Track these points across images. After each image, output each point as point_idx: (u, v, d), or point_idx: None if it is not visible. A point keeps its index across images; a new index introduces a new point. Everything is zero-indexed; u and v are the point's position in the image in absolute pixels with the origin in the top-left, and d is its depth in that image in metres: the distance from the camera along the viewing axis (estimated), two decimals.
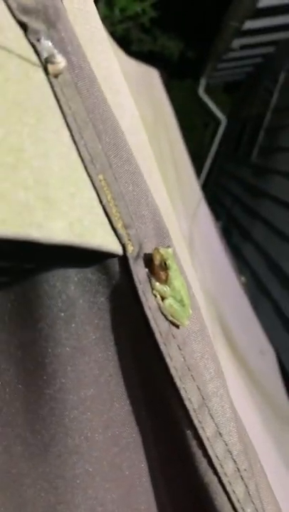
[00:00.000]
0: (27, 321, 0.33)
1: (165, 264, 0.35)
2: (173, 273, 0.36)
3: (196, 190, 3.06)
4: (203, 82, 6.40)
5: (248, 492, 0.41)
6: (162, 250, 0.35)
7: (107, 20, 4.65)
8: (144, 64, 2.53)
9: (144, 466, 0.40)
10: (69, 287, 0.33)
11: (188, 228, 2.39)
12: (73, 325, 0.34)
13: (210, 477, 0.39)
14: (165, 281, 0.36)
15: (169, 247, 0.37)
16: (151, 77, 2.68)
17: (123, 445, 0.38)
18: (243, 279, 3.35)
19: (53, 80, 0.31)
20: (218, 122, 6.91)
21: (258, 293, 3.69)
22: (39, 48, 0.30)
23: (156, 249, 0.35)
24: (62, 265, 0.33)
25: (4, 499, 0.36)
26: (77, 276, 0.34)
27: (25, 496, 0.36)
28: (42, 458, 0.35)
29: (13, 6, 0.30)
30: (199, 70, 6.23)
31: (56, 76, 0.31)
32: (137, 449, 0.40)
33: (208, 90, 6.50)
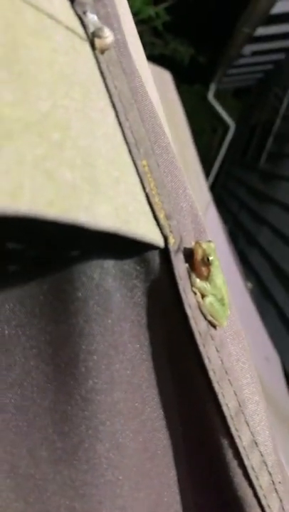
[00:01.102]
0: (60, 315, 0.31)
1: (208, 259, 0.33)
2: (215, 269, 0.34)
3: (206, 192, 3.04)
4: (213, 87, 6.39)
5: (282, 507, 0.38)
6: (205, 244, 0.33)
7: None
8: (157, 66, 2.53)
9: (173, 474, 0.38)
10: (107, 280, 0.31)
11: None
12: (109, 321, 0.31)
13: (244, 490, 0.36)
14: (206, 278, 0.34)
15: (210, 241, 0.34)
16: (163, 78, 2.67)
17: (153, 452, 0.36)
18: (249, 284, 3.32)
19: (99, 55, 0.29)
20: (226, 127, 6.90)
21: (264, 299, 3.66)
22: (85, 21, 0.28)
23: (198, 242, 0.33)
24: (101, 256, 0.31)
25: (26, 506, 0.33)
26: (115, 269, 0.32)
27: (48, 503, 0.33)
28: (69, 463, 0.33)
29: None
30: (209, 75, 6.22)
31: (102, 52, 0.29)
32: (166, 456, 0.37)
33: (217, 95, 6.50)
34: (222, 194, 6.62)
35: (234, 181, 6.27)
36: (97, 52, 0.29)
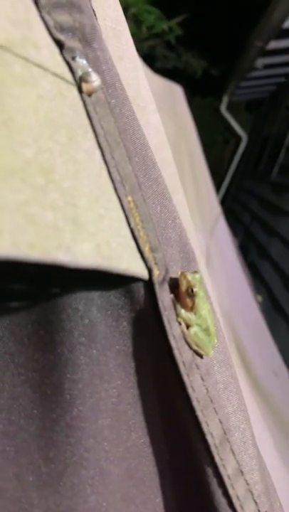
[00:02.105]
0: (47, 345, 0.32)
1: (192, 290, 0.34)
2: (200, 300, 0.35)
3: (215, 205, 3.05)
4: (225, 99, 6.43)
5: None
6: (189, 276, 0.34)
7: (134, 38, 4.72)
8: (168, 80, 2.56)
9: (158, 501, 0.38)
10: (91, 311, 0.32)
11: (205, 244, 2.37)
12: (94, 350, 0.32)
13: None
14: (191, 309, 0.34)
15: (196, 272, 0.35)
16: (174, 92, 2.70)
17: (138, 478, 0.37)
18: (259, 298, 3.30)
19: (86, 98, 0.30)
20: (238, 139, 6.91)
21: (274, 312, 3.62)
22: (74, 66, 0.30)
23: (183, 274, 0.34)
24: (86, 288, 0.32)
25: None
26: (100, 300, 0.33)
27: None
28: (54, 488, 0.33)
29: (50, 23, 0.30)
30: (222, 87, 6.26)
31: (90, 95, 0.30)
32: (152, 482, 0.38)
33: (230, 108, 6.53)
34: (234, 206, 6.60)
35: (246, 193, 6.26)
36: (84, 95, 0.30)
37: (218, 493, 0.36)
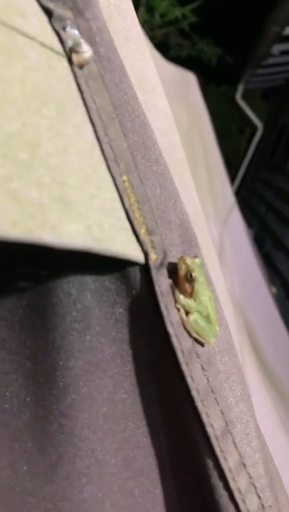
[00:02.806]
0: (39, 330, 0.31)
1: (191, 275, 0.32)
2: (199, 286, 0.33)
3: (229, 196, 3.00)
4: (240, 87, 6.30)
5: None
6: (188, 260, 0.32)
7: (147, 25, 4.66)
8: (182, 68, 2.52)
9: (158, 493, 0.37)
10: (85, 296, 0.31)
11: (218, 234, 2.34)
12: (88, 337, 0.31)
13: None
14: (190, 295, 0.33)
15: (196, 256, 0.34)
16: (188, 81, 2.65)
17: (137, 469, 0.35)
18: (273, 289, 3.25)
19: (77, 70, 0.28)
20: (254, 129, 6.78)
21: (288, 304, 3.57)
22: (64, 37, 0.28)
23: (182, 258, 0.32)
24: (79, 272, 0.30)
25: None
26: (95, 284, 0.31)
27: None
28: (48, 478, 0.32)
29: None
30: (237, 75, 6.14)
31: (81, 67, 0.29)
32: (151, 474, 0.36)
33: (245, 96, 6.40)
34: (249, 196, 6.51)
35: (261, 183, 6.16)
36: (74, 67, 0.28)
37: (219, 486, 0.34)
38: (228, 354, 0.37)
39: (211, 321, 0.34)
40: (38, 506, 0.33)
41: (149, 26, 4.74)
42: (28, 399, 0.32)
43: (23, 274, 0.30)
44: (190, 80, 2.61)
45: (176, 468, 0.37)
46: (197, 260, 0.33)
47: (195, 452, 0.35)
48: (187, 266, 0.32)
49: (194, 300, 0.33)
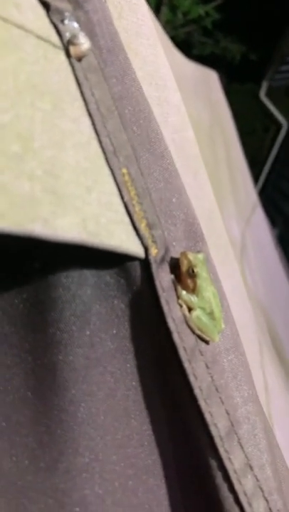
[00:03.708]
0: (39, 325, 0.31)
1: (193, 271, 0.31)
2: (202, 282, 0.32)
3: (252, 194, 2.95)
4: (265, 85, 6.19)
5: None
6: (191, 255, 0.32)
7: (170, 25, 4.65)
8: (204, 67, 2.49)
9: (163, 493, 0.37)
10: (84, 291, 0.30)
11: (240, 233, 2.30)
12: (88, 332, 0.31)
13: None
14: (193, 291, 0.32)
15: (199, 252, 0.33)
16: (209, 79, 2.62)
17: (140, 468, 0.35)
18: None
19: (75, 63, 0.28)
20: (279, 126, 6.66)
21: None
22: (62, 29, 0.28)
23: (184, 253, 0.32)
24: (78, 266, 0.30)
25: (9, 510, 0.34)
26: (95, 280, 0.31)
27: (30, 510, 0.33)
28: (49, 473, 0.32)
29: None
30: (261, 73, 6.04)
31: (79, 59, 0.29)
32: (155, 473, 0.36)
33: (269, 94, 6.28)
34: (273, 195, 6.39)
35: (286, 182, 6.03)
36: (72, 60, 0.28)
37: (223, 487, 0.33)
38: (234, 352, 0.36)
39: (216, 318, 0.33)
40: (38, 501, 0.33)
41: (171, 25, 4.73)
42: (29, 393, 0.32)
43: (23, 268, 0.30)
44: (212, 77, 2.58)
45: (181, 469, 0.36)
46: (200, 256, 0.32)
47: (199, 453, 0.34)
48: (189, 261, 0.31)
49: (197, 296, 0.32)
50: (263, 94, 6.26)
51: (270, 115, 6.46)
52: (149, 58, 0.61)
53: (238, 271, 1.15)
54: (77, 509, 0.32)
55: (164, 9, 4.49)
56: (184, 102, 0.72)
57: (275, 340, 1.95)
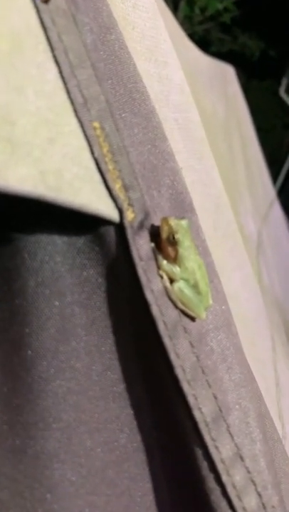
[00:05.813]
0: (5, 295, 0.28)
1: (173, 237, 0.28)
2: (184, 250, 0.29)
3: (270, 191, 2.89)
4: (284, 81, 6.08)
5: None
6: (172, 221, 0.29)
7: (188, 21, 4.59)
8: (219, 61, 2.44)
9: (146, 482, 0.34)
10: (53, 258, 0.28)
11: (257, 230, 2.25)
12: (57, 303, 0.28)
13: (224, 510, 0.31)
14: (174, 260, 0.29)
15: (183, 218, 0.30)
16: (224, 73, 2.57)
17: (120, 455, 0.32)
18: None
19: (40, 5, 0.26)
20: None
21: None
22: None
23: (165, 218, 0.29)
24: (46, 231, 0.28)
25: None
26: (66, 246, 0.28)
27: (1, 498, 0.31)
28: (19, 458, 0.30)
29: None
30: (281, 69, 5.92)
31: (46, 1, 0.26)
32: (138, 461, 0.33)
33: None
34: None
35: None
36: (37, 1, 0.26)
37: (209, 478, 0.30)
38: (224, 332, 0.33)
39: (201, 292, 0.30)
40: (8, 486, 0.30)
41: (189, 23, 4.68)
42: None
43: None
44: (228, 72, 2.53)
45: (166, 458, 0.34)
46: (183, 222, 0.29)
47: (184, 440, 0.31)
48: (170, 227, 0.28)
49: (179, 266, 0.29)
50: (282, 91, 6.15)
51: None
52: (148, 32, 0.58)
53: (249, 263, 1.10)
54: (48, 495, 0.30)
55: (182, 5, 4.45)
56: (199, 95, 0.69)
57: None
